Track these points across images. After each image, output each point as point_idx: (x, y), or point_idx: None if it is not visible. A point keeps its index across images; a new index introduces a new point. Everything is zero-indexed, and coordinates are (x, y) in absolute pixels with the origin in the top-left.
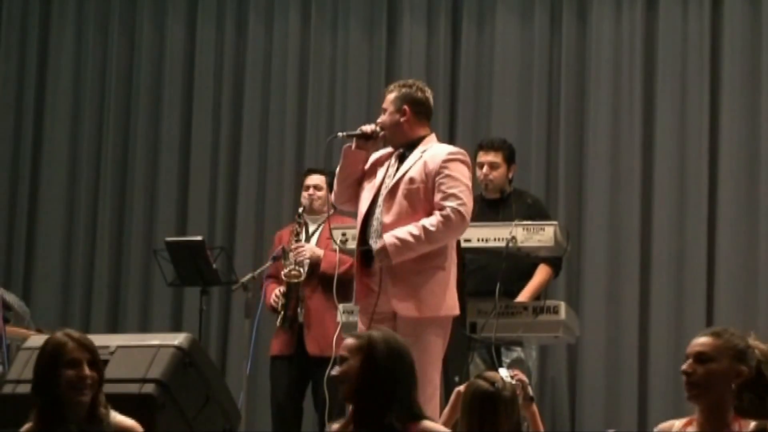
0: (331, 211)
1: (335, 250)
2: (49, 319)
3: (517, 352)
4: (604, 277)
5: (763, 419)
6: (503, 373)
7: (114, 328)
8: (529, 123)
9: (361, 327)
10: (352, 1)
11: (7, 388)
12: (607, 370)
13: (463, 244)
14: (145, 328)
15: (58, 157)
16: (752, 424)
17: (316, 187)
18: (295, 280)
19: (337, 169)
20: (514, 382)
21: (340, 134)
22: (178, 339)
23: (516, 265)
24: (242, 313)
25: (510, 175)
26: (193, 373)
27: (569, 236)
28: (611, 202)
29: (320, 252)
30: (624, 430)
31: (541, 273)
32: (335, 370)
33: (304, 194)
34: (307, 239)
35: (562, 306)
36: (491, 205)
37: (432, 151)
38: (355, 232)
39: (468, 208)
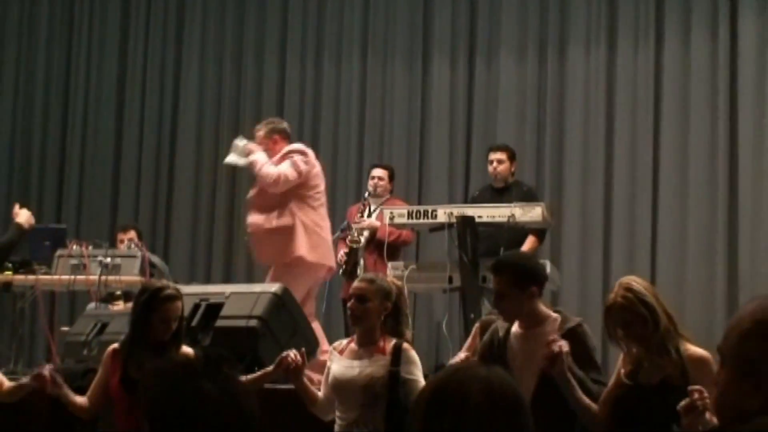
0: (387, 196)
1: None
2: (182, 274)
3: None
4: (577, 244)
5: (399, 337)
6: None
7: (227, 280)
8: (524, 133)
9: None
10: (398, 47)
11: None
12: (579, 309)
13: (477, 220)
14: (249, 279)
15: (187, 164)
16: (394, 340)
17: (380, 178)
18: (355, 246)
19: None
20: None
21: None
22: (274, 287)
23: (514, 234)
24: None
25: (512, 170)
26: (285, 312)
27: (553, 214)
28: (583, 191)
29: (377, 224)
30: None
31: (531, 241)
32: None
33: (370, 183)
34: (369, 215)
35: (548, 264)
36: (498, 192)
37: None
38: (402, 211)
39: (281, 178)
